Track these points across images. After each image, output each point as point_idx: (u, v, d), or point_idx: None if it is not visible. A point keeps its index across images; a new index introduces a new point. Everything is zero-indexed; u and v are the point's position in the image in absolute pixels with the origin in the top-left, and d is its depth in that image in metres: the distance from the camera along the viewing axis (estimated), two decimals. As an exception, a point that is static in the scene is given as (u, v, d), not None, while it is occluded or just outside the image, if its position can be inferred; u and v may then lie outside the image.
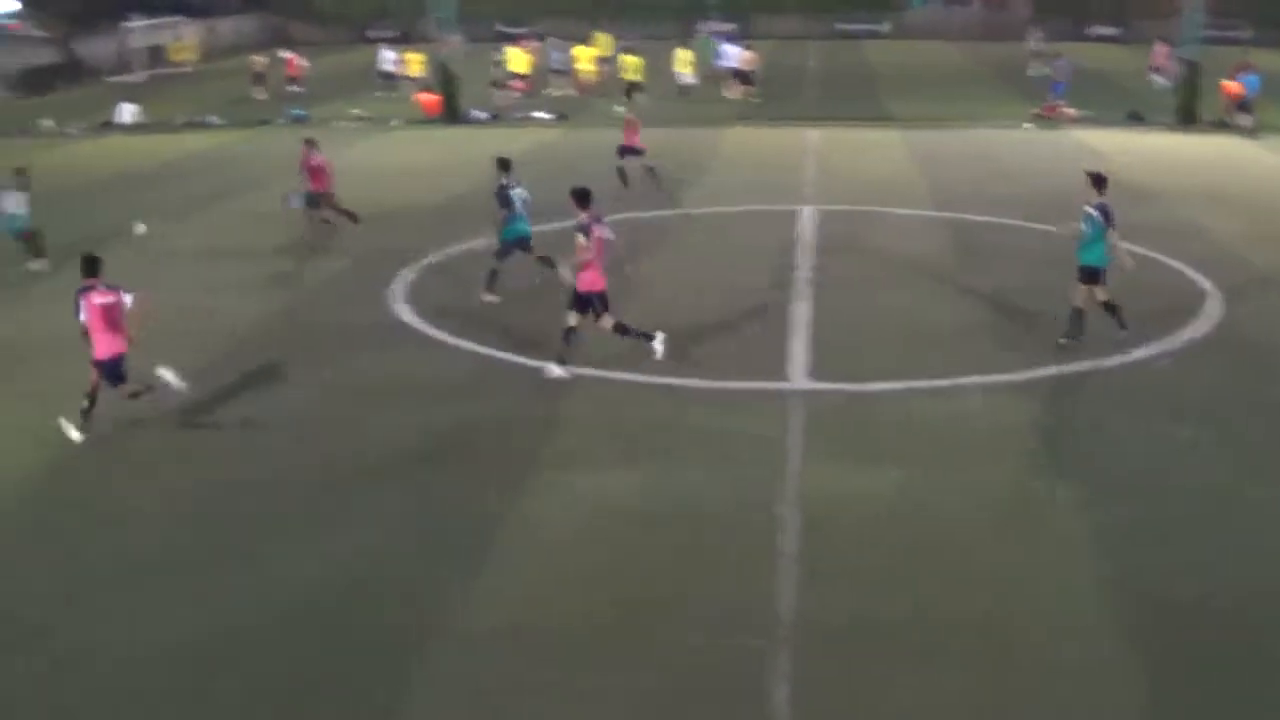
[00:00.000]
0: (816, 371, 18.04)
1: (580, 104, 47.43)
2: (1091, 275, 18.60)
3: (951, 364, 18.25)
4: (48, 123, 46.57)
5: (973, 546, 12.99)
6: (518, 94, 48.55)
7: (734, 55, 50.58)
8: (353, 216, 26.50)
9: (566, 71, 52.20)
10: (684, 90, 49.10)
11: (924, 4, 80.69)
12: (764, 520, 13.50)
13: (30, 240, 25.06)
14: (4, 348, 19.94)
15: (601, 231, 17.87)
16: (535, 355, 18.55)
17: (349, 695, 10.61)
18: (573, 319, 17.93)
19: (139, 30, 65.03)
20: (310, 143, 26.89)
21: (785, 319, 20.42)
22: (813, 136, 40.16)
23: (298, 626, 11.72)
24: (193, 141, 41.72)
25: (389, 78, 52.71)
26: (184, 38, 69.62)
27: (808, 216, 27.94)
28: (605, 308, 18.00)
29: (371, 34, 74.00)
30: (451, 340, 19.58)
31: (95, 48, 65.22)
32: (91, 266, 16.10)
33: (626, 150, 31.31)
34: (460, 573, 12.54)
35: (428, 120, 44.31)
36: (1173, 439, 15.62)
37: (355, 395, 17.64)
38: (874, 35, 77.04)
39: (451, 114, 44.40)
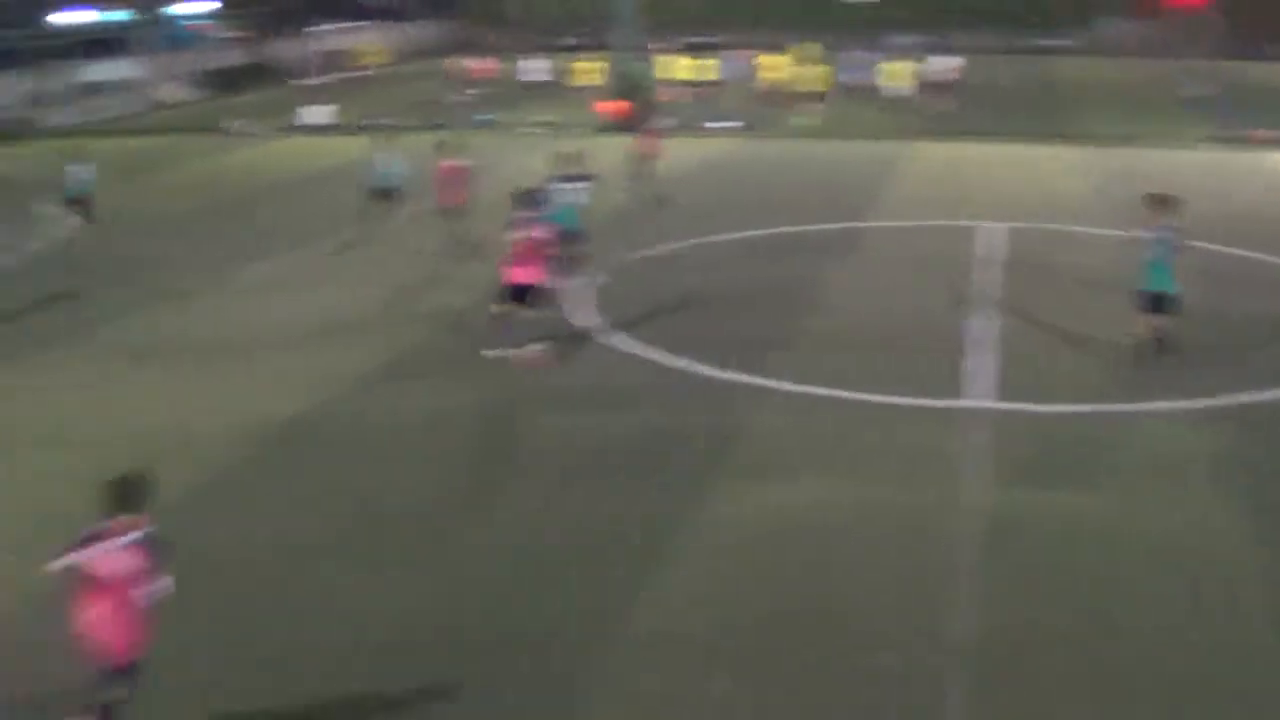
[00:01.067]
0: (999, 390, 17.65)
1: (763, 114, 47.22)
2: (1156, 303, 18.21)
3: (1137, 387, 17.77)
4: (236, 123, 47.79)
5: (1155, 574, 12.55)
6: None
7: (937, 67, 50.15)
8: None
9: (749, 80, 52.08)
10: (892, 102, 48.52)
11: (1111, 21, 79.00)
12: (942, 538, 13.25)
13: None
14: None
15: (531, 231, 18.57)
16: (720, 365, 18.48)
17: (517, 689, 10.61)
18: (498, 308, 19.03)
19: (326, 34, 66.37)
20: (441, 147, 26.79)
21: (967, 336, 20.05)
22: (998, 152, 39.55)
23: (468, 620, 11.75)
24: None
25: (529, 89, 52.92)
26: (370, 42, 71.00)
27: (991, 233, 27.49)
28: (529, 301, 18.87)
29: (559, 42, 74.68)
30: (632, 346, 19.57)
31: (283, 51, 66.83)
32: None
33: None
34: (632, 576, 12.47)
35: (611, 127, 44.46)
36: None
37: (536, 397, 17.72)
38: (1064, 51, 75.66)
39: (635, 121, 44.49)
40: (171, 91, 58.11)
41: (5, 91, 51.98)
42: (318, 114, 48.32)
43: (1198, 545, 13.20)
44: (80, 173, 28.63)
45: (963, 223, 28.58)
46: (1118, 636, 11.41)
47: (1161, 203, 18.17)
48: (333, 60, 66.08)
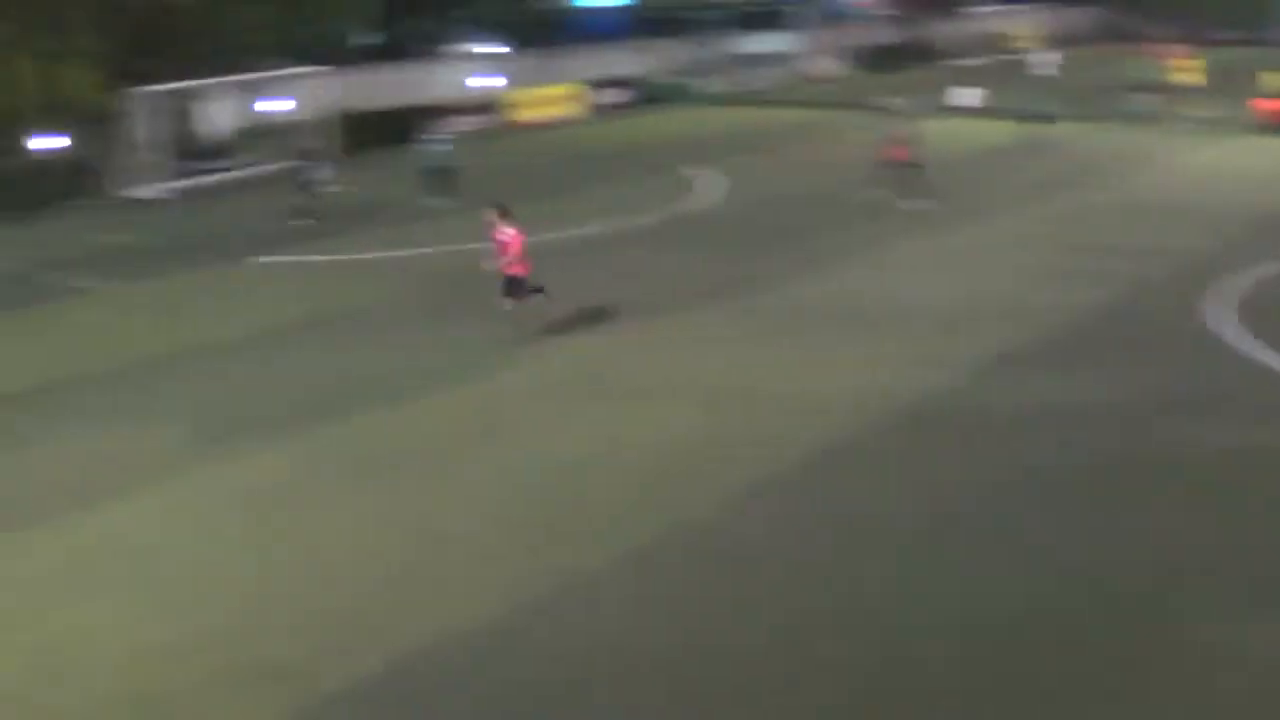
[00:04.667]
0: None
1: None
2: None
3: None
4: (890, 100, 48.42)
5: None
6: None
7: None
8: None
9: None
10: None
11: None
12: None
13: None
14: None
15: None
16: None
17: (1082, 688, 10.34)
18: None
19: (982, 16, 66.08)
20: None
21: None
22: None
23: (1052, 612, 11.54)
24: (1029, 130, 41.73)
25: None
26: (1024, 26, 70.08)
27: None
28: None
29: (1212, 36, 71.09)
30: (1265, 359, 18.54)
31: (937, 31, 67.12)
32: None
33: None
34: (1219, 594, 11.89)
35: (1272, 127, 41.91)
36: None
37: (1147, 400, 17.03)
38: None
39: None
40: (824, 66, 59.58)
41: (665, 59, 55.07)
42: (968, 96, 48.19)
43: None
44: (437, 146, 31.45)
45: None
46: None
47: None
48: (988, 43, 65.65)
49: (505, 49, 56.95)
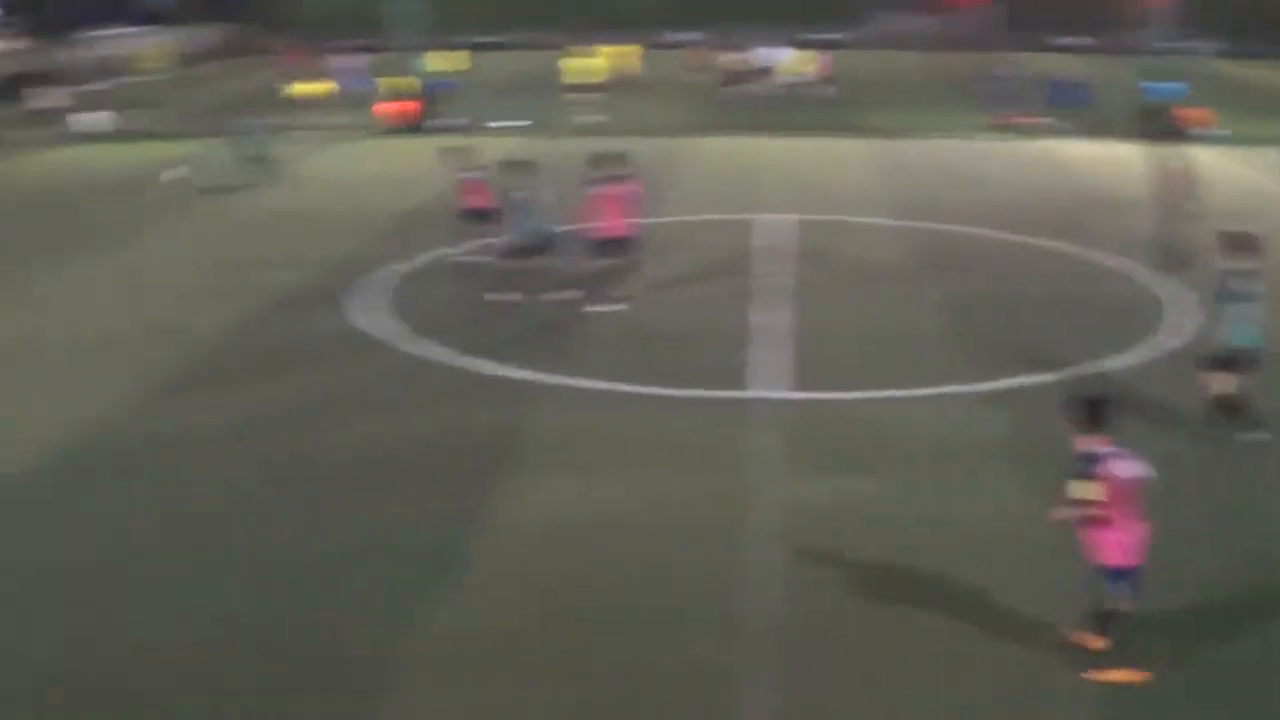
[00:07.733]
0: (787, 379, 17.96)
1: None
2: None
3: (920, 373, 18.14)
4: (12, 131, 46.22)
5: (951, 557, 12.77)
6: None
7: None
8: None
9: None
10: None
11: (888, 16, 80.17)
12: (736, 528, 13.43)
13: None
14: None
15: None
16: (500, 363, 18.53)
17: (312, 696, 10.57)
18: None
19: (105, 40, 64.47)
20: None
21: (757, 328, 20.31)
22: (776, 146, 40.17)
23: (259, 631, 11.61)
24: (162, 150, 41.21)
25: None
26: (151, 47, 69.18)
27: (772, 225, 27.84)
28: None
29: (337, 45, 73.26)
30: (420, 348, 19.49)
31: (64, 58, 64.71)
32: None
33: None
34: (424, 577, 12.47)
35: (394, 129, 43.89)
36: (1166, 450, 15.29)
37: (310, 406, 17.30)
38: (836, 45, 75.29)
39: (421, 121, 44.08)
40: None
41: None
42: (95, 121, 46.94)
43: (980, 526, 13.57)
44: None
45: (749, 216, 28.85)
46: (910, 620, 11.67)
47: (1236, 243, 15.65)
48: (113, 66, 64.17)
49: None
